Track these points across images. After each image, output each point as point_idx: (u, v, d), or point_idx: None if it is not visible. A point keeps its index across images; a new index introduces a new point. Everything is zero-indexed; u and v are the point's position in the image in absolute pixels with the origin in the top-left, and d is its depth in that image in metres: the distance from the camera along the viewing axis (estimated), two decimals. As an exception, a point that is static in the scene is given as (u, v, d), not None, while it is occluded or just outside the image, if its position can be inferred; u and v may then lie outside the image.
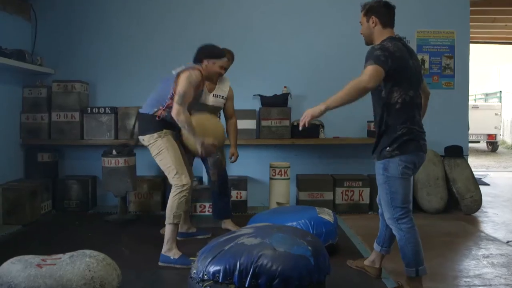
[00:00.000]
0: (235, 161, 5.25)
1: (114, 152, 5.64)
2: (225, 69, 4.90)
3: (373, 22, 3.38)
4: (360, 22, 3.50)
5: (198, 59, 4.34)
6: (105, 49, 6.62)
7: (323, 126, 6.39)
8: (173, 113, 4.01)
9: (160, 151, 4.15)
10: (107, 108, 6.25)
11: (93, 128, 6.25)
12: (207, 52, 4.34)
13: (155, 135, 4.16)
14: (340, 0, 6.61)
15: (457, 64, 6.69)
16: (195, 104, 4.44)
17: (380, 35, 3.38)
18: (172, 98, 4.08)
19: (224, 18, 6.58)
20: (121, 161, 5.63)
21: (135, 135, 4.75)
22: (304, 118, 3.18)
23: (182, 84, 4.05)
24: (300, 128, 3.23)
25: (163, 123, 4.17)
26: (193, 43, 4.52)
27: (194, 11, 6.60)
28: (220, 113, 5.19)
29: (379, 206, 3.58)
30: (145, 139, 4.23)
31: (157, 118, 4.14)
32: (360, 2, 3.52)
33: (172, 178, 4.14)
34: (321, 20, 6.63)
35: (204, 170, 5.30)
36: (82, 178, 6.31)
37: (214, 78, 4.84)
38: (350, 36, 6.20)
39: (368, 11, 3.41)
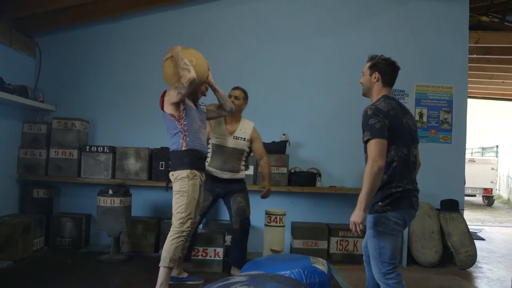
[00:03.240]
0: (265, 193, 5.27)
1: (110, 191, 5.63)
2: (238, 99, 5.12)
3: (375, 78, 3.43)
4: (363, 71, 3.54)
5: None
6: (106, 89, 6.71)
7: (320, 175, 6.40)
8: (179, 89, 4.14)
9: (180, 191, 4.18)
10: (105, 147, 6.27)
11: (91, 167, 6.26)
12: None
13: (185, 173, 4.19)
14: (339, 53, 6.75)
15: (454, 118, 6.76)
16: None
17: (378, 91, 3.43)
18: (179, 122, 4.22)
19: (226, 63, 6.63)
20: (116, 201, 5.62)
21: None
22: (354, 228, 3.12)
23: (168, 99, 4.21)
24: (360, 234, 3.20)
25: (194, 159, 4.24)
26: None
27: (197, 55, 6.66)
28: (247, 155, 5.25)
29: (363, 252, 3.57)
30: (174, 174, 4.26)
31: (184, 148, 4.22)
32: (369, 53, 3.56)
33: (176, 220, 4.15)
34: (321, 71, 6.73)
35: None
36: (76, 216, 6.26)
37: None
38: (348, 87, 6.32)
39: (374, 66, 3.44)
